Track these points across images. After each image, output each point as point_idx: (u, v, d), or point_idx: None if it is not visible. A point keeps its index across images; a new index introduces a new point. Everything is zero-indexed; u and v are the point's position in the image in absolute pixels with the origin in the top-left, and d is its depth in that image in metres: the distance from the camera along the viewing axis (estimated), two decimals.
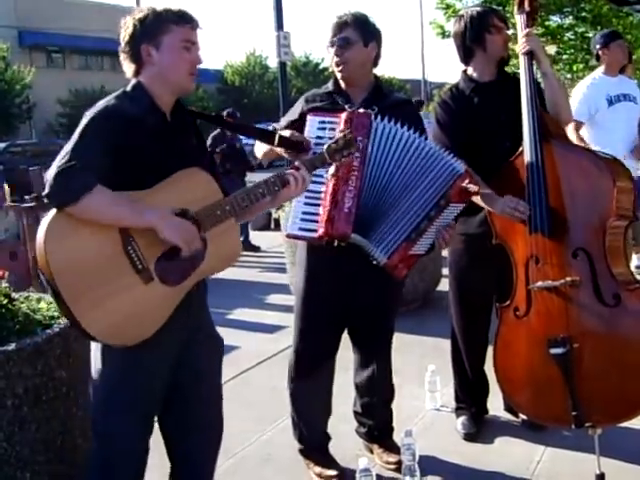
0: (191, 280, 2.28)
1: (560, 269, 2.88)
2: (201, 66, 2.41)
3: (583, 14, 18.00)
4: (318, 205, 2.75)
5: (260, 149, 3.06)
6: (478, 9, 3.32)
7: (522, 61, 3.09)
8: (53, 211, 2.10)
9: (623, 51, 5.34)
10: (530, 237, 2.93)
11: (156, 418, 2.47)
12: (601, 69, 5.33)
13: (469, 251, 3.36)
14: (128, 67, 2.34)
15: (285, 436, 3.36)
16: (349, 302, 3.05)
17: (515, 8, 3.19)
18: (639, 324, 2.78)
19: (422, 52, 50.41)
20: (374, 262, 2.75)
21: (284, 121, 3.10)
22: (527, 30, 3.10)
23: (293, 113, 3.10)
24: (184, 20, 2.30)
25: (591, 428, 2.86)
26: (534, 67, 3.09)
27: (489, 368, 3.25)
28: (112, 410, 2.32)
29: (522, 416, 3.51)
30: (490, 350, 3.25)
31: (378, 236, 2.74)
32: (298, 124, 2.90)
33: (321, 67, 41.69)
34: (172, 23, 2.28)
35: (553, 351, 2.85)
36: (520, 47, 3.09)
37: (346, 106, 2.91)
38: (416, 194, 2.76)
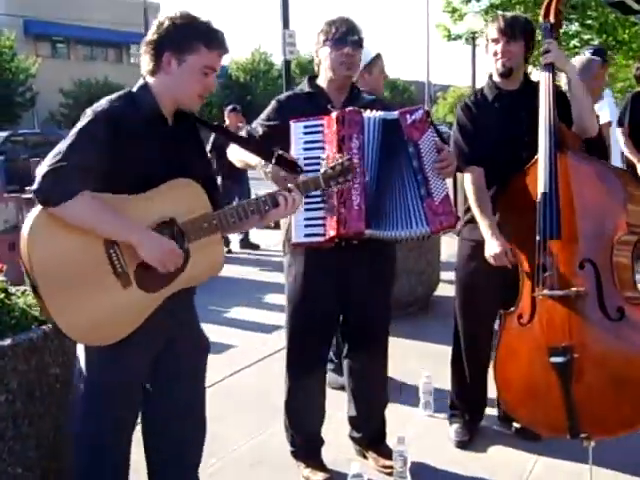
0: (170, 289, 2.26)
1: (566, 279, 2.88)
2: None
3: (589, 22, 18.00)
4: (320, 209, 2.76)
5: (236, 155, 3.02)
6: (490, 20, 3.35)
7: (542, 72, 3.07)
8: (39, 206, 2.09)
9: None
10: (538, 245, 2.92)
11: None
12: None
13: (477, 257, 3.32)
14: (145, 64, 2.28)
15: (279, 437, 3.35)
16: (343, 300, 3.06)
17: (540, 18, 3.18)
18: None
19: (427, 54, 50.64)
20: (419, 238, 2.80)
21: (259, 125, 3.03)
22: (547, 44, 3.06)
23: (268, 117, 3.04)
24: (215, 45, 2.24)
25: (585, 439, 2.87)
26: (556, 78, 3.08)
27: (491, 377, 3.24)
28: (89, 410, 2.31)
29: (515, 425, 3.51)
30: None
31: (392, 221, 2.78)
32: (280, 129, 2.88)
33: None
34: (202, 44, 2.22)
35: (553, 360, 2.85)
36: (542, 59, 3.08)
37: (328, 106, 2.93)
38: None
